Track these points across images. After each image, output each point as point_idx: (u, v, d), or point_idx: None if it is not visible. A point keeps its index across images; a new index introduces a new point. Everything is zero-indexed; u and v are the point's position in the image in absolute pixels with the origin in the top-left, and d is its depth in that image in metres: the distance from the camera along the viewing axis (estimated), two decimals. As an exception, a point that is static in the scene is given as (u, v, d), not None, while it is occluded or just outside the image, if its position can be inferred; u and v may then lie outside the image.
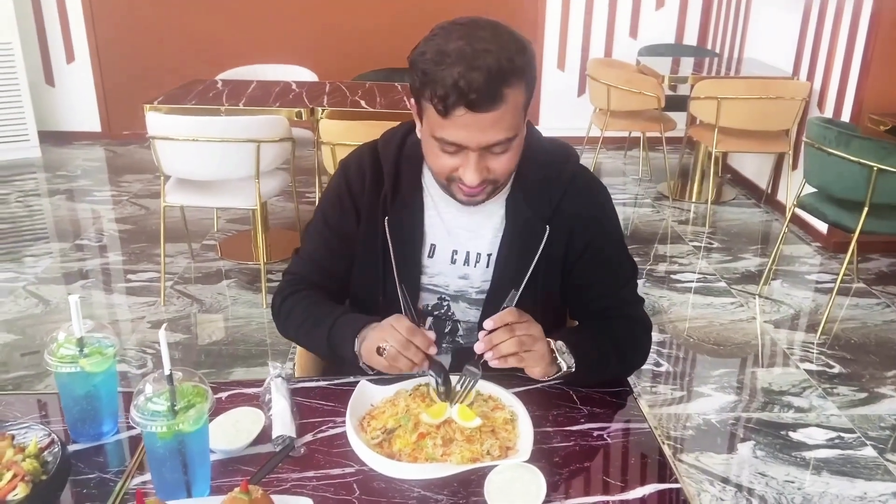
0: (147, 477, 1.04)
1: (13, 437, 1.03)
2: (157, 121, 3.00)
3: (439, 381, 1.16)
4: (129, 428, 1.14)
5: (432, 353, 1.16)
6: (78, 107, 5.64)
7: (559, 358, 1.19)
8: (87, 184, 4.87)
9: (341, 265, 1.39)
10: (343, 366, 1.30)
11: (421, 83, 1.13)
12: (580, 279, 1.35)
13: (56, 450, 1.03)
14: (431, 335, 1.17)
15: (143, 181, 4.88)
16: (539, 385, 1.26)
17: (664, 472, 1.08)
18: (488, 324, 1.15)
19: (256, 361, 2.82)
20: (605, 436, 1.15)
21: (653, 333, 1.40)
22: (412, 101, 1.20)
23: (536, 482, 0.99)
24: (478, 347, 1.15)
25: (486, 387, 1.19)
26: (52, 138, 5.54)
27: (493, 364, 1.14)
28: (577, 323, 1.45)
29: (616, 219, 1.38)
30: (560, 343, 1.21)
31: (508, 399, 1.17)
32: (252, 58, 4.39)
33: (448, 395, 1.16)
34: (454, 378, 1.19)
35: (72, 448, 1.10)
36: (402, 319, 1.17)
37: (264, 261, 3.34)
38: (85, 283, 3.46)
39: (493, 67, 1.08)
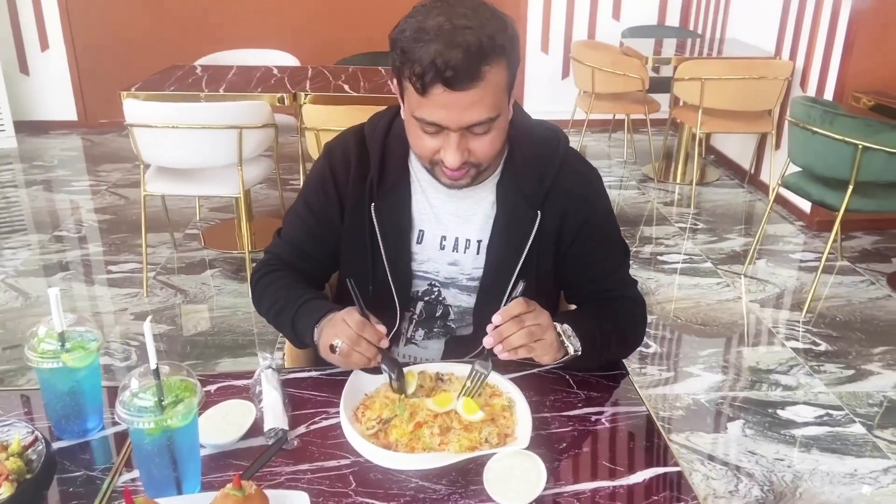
0: (135, 474, 1.01)
1: (-5, 436, 1.00)
2: (136, 108, 2.94)
3: (392, 375, 1.13)
4: (115, 424, 1.11)
5: (383, 346, 1.14)
6: (53, 95, 5.53)
7: (566, 342, 1.17)
8: (65, 174, 4.78)
9: (321, 250, 1.37)
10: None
11: (400, 61, 1.11)
12: (575, 262, 1.33)
13: (40, 447, 1.00)
14: (382, 328, 1.15)
15: (121, 170, 4.80)
16: (535, 370, 1.24)
17: (663, 456, 1.07)
18: (496, 318, 1.11)
19: (244, 352, 2.78)
20: (603, 420, 1.14)
21: (644, 314, 1.39)
22: (394, 81, 1.18)
23: (536, 469, 0.97)
24: (486, 342, 1.12)
25: (461, 370, 1.17)
26: (27, 128, 5.43)
27: (504, 357, 1.11)
28: (573, 307, 1.43)
29: (608, 201, 1.36)
30: (566, 326, 1.19)
31: (505, 385, 1.15)
32: (231, 42, 4.32)
33: (402, 389, 1.13)
34: (463, 368, 1.17)
35: (56, 445, 1.07)
36: (351, 313, 1.15)
37: (249, 249, 3.30)
38: (65, 275, 3.40)
39: (473, 45, 1.06)
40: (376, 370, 1.17)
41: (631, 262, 1.41)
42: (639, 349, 2.79)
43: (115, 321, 2.98)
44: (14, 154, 5.09)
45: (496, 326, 1.11)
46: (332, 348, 1.13)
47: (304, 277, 1.36)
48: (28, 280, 3.32)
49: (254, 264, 3.21)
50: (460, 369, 1.19)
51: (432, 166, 1.21)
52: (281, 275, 1.35)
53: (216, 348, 2.81)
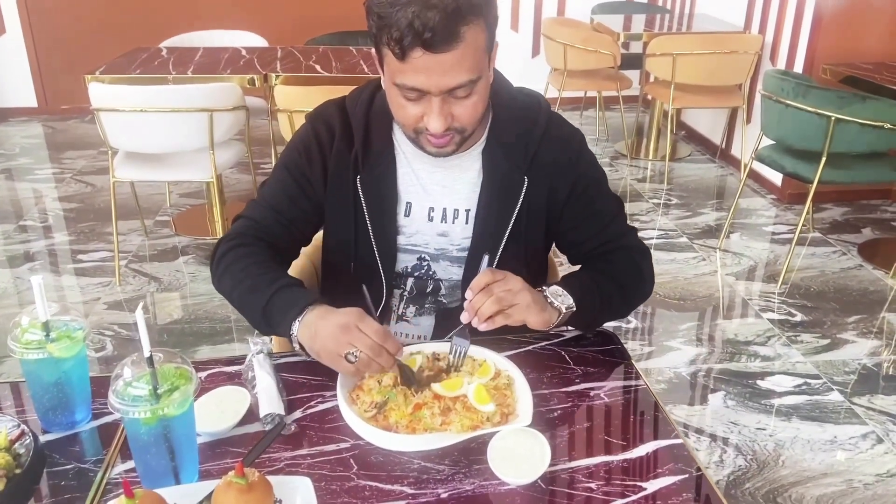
0: (128, 465, 0.98)
1: (-20, 431, 0.96)
2: (101, 92, 2.85)
3: (406, 382, 1.09)
4: (101, 415, 1.08)
5: (400, 359, 1.09)
6: (12, 81, 5.34)
7: (556, 301, 1.17)
8: (27, 162, 4.64)
9: (300, 215, 1.31)
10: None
11: (377, 28, 1.09)
12: (571, 221, 1.33)
13: (28, 441, 0.97)
14: (398, 341, 1.09)
15: (86, 157, 4.67)
16: (530, 347, 1.24)
17: (664, 429, 1.07)
18: (468, 293, 1.12)
19: (222, 339, 2.74)
20: (602, 395, 1.13)
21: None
22: (373, 50, 1.16)
23: (540, 446, 0.97)
24: (463, 317, 1.12)
25: (479, 352, 1.16)
26: (-15, 116, 5.27)
27: (483, 328, 1.11)
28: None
29: (594, 158, 1.37)
30: (554, 287, 1.19)
31: (503, 363, 1.14)
32: (195, 23, 4.21)
33: (411, 386, 1.10)
34: (445, 347, 1.17)
35: (44, 439, 1.03)
36: (366, 320, 1.06)
37: (222, 235, 3.23)
38: (32, 265, 3.30)
39: (450, 5, 1.04)
40: None
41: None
42: (619, 324, 2.83)
43: (88, 311, 2.91)
44: (-28, 143, 4.94)
45: (469, 301, 1.11)
46: (348, 357, 1.04)
47: (274, 245, 1.28)
48: (-6, 272, 3.23)
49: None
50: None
51: (416, 135, 1.19)
52: (255, 249, 1.25)
53: (193, 336, 2.76)
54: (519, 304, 1.12)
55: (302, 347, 1.12)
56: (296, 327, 1.11)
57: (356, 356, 1.04)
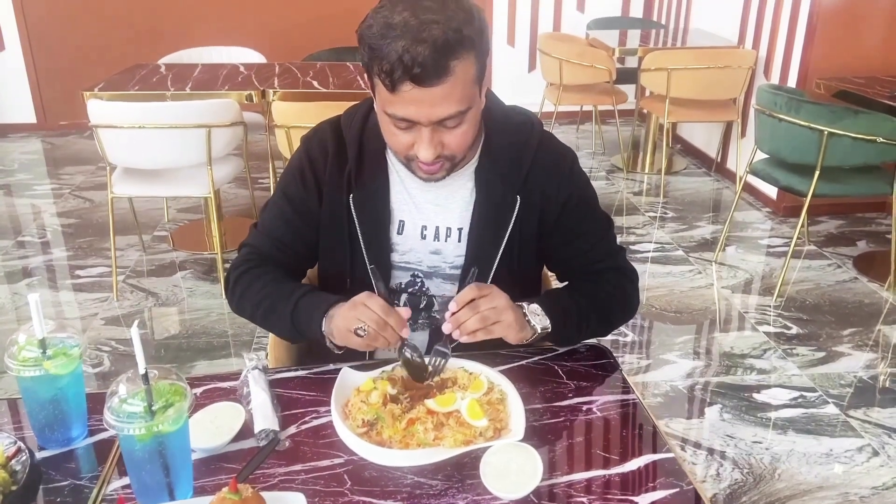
0: (124, 482, 0.99)
1: (-24, 449, 0.97)
2: (100, 108, 2.87)
3: (415, 356, 1.15)
4: (97, 431, 1.08)
5: (405, 336, 1.14)
6: (11, 97, 5.37)
7: (532, 321, 1.20)
8: (26, 178, 4.66)
9: (299, 241, 1.36)
10: (308, 343, 1.29)
11: (368, 58, 1.10)
12: (561, 238, 1.35)
13: (24, 458, 0.98)
14: (406, 312, 1.16)
15: (84, 173, 4.69)
16: (523, 361, 1.25)
17: (656, 443, 1.08)
18: (452, 305, 1.15)
19: (219, 354, 2.74)
20: (594, 409, 1.14)
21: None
22: (366, 76, 1.18)
23: (532, 461, 0.97)
24: (445, 328, 1.15)
25: (472, 367, 1.17)
26: (-17, 132, 5.29)
27: (464, 340, 1.14)
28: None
29: (586, 176, 1.39)
30: (534, 306, 1.22)
31: (496, 378, 1.15)
32: (194, 40, 4.25)
33: (422, 374, 1.15)
34: (454, 362, 1.19)
35: (40, 455, 1.04)
36: (373, 298, 1.15)
37: (220, 250, 3.25)
38: (30, 281, 3.31)
39: (439, 39, 1.05)
40: (369, 366, 1.18)
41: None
42: (615, 338, 2.84)
43: (85, 327, 2.92)
44: (-29, 159, 4.96)
45: (453, 313, 1.14)
46: (356, 331, 1.12)
47: (281, 267, 1.35)
48: (-8, 287, 3.23)
49: (226, 264, 3.20)
50: (451, 363, 1.19)
51: (408, 161, 1.21)
52: (264, 270, 1.32)
53: (191, 351, 2.77)
54: (502, 323, 1.15)
55: (333, 344, 1.20)
56: (325, 324, 1.19)
57: (365, 330, 1.11)
